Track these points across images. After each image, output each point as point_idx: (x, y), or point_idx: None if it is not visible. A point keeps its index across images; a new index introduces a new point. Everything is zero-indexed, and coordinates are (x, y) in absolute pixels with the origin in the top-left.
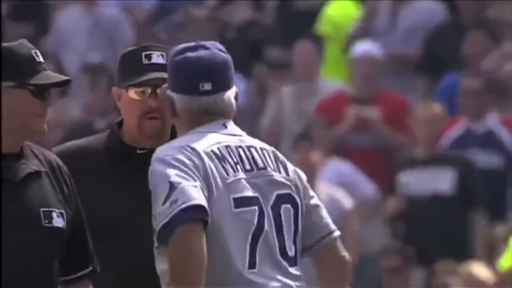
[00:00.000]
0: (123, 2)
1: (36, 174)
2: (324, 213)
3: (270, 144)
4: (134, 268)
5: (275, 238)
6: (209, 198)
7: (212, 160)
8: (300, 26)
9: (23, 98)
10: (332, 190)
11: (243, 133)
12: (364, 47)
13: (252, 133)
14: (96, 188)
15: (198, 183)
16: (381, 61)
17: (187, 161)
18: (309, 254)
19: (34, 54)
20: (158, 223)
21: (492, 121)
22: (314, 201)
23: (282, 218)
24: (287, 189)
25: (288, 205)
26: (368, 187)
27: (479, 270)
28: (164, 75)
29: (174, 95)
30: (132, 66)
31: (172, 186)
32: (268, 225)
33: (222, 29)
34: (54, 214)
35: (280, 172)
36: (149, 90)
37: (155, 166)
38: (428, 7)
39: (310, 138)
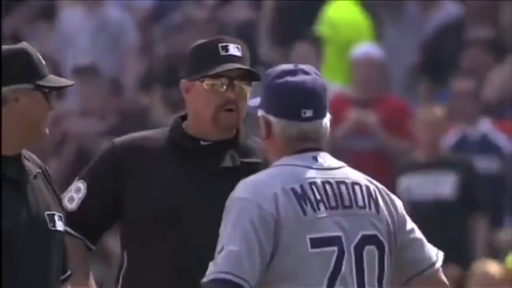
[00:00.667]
0: (123, 2)
1: (36, 176)
2: (426, 245)
3: None
4: (193, 261)
5: (355, 281)
6: (277, 240)
7: (289, 199)
8: (298, 27)
9: (38, 100)
10: None
11: (340, 164)
12: (364, 49)
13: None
14: (159, 180)
15: (248, 246)
16: (382, 63)
17: (256, 212)
18: (410, 286)
19: (40, 57)
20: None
21: (485, 126)
22: (414, 235)
23: (364, 260)
24: (373, 230)
25: (373, 247)
26: None
27: (494, 268)
28: (240, 66)
29: (272, 118)
30: (208, 58)
31: (222, 248)
32: (347, 266)
33: (220, 30)
34: (56, 217)
35: (370, 209)
36: (227, 82)
37: (229, 205)
38: (447, 8)
39: None
